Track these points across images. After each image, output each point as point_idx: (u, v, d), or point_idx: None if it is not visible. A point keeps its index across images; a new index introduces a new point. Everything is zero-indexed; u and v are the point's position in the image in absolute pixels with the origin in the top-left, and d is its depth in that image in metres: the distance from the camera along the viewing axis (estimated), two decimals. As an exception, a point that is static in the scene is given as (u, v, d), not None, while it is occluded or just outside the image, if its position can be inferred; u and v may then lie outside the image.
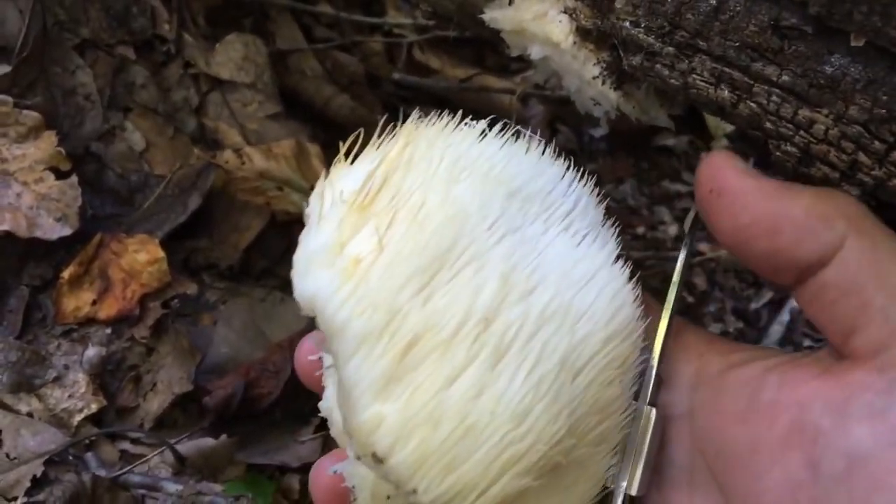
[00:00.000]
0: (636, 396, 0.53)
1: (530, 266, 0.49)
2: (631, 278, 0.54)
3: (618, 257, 0.53)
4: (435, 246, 0.47)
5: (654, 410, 0.52)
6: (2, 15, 0.94)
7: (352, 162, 0.52)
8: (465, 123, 0.54)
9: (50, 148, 0.89)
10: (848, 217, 0.47)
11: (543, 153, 0.55)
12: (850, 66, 0.46)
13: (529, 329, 0.47)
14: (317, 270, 0.48)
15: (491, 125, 0.55)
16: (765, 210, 0.49)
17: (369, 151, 0.52)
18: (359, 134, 0.53)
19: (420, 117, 0.54)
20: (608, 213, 0.56)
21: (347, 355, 0.46)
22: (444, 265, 0.47)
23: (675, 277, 0.57)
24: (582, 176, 0.57)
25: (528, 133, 0.56)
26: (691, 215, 0.59)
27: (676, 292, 0.57)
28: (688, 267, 0.59)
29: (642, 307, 0.52)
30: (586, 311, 0.49)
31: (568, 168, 0.56)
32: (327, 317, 0.46)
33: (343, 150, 0.52)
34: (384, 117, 0.54)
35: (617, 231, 0.56)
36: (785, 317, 1.08)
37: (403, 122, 0.55)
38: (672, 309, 0.55)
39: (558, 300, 0.48)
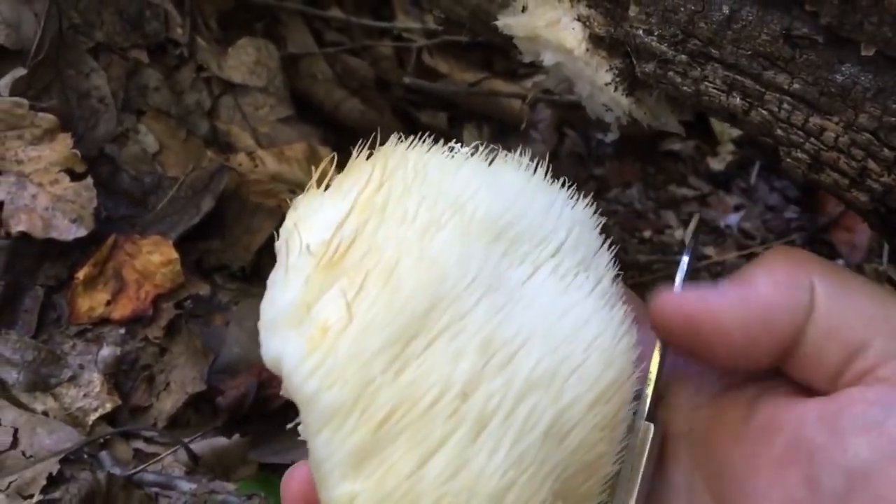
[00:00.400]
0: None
1: (513, 326, 0.45)
2: (625, 316, 0.50)
3: (610, 294, 0.50)
4: (409, 313, 0.43)
5: (651, 427, 0.50)
6: (18, 18, 0.95)
7: (325, 188, 0.49)
8: (449, 148, 0.51)
9: (65, 150, 0.90)
10: (808, 270, 0.46)
11: (533, 176, 0.52)
12: (860, 75, 0.47)
13: (513, 398, 0.43)
14: (283, 331, 0.45)
15: (476, 149, 0.51)
16: (739, 314, 0.46)
17: (344, 181, 0.49)
18: (365, 143, 0.49)
19: (399, 141, 0.50)
20: (606, 230, 0.53)
21: (316, 429, 0.43)
22: (419, 333, 0.43)
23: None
24: (579, 187, 0.53)
25: (516, 154, 0.53)
26: (693, 224, 0.58)
27: None
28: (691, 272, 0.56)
29: (636, 350, 0.49)
30: (575, 371, 0.45)
31: (561, 187, 0.52)
32: (294, 386, 0.44)
33: (315, 176, 0.48)
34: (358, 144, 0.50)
35: (613, 255, 0.52)
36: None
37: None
38: None
39: (545, 364, 0.44)
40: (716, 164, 1.25)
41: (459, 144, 0.52)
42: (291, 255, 0.46)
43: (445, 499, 0.42)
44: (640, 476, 0.49)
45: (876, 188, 0.50)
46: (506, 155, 0.53)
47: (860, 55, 0.47)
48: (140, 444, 0.82)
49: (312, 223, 0.47)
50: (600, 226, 0.53)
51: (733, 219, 1.20)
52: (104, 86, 0.98)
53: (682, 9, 0.51)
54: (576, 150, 1.22)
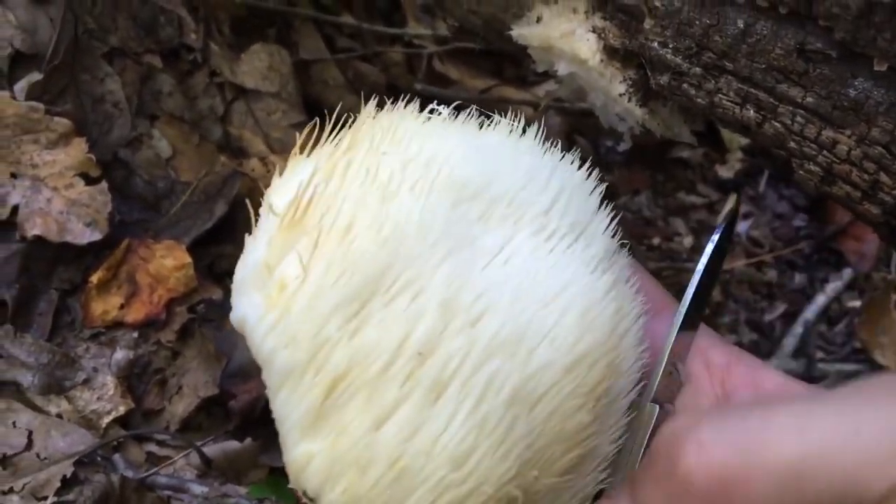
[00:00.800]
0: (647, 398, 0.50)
1: (479, 288, 0.43)
2: (625, 276, 0.49)
3: (601, 260, 0.48)
4: (363, 272, 0.42)
5: (656, 408, 0.49)
6: (33, 23, 0.96)
7: (309, 154, 0.48)
8: (430, 111, 0.50)
9: (80, 154, 0.90)
10: None
11: (521, 140, 0.51)
12: (873, 90, 0.48)
13: (473, 362, 0.42)
14: (248, 291, 0.45)
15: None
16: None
17: (321, 146, 0.48)
18: (340, 116, 0.48)
19: (378, 104, 0.49)
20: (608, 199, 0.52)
21: (275, 388, 0.43)
22: (376, 293, 0.42)
23: (700, 265, 0.52)
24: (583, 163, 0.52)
25: (506, 119, 0.52)
26: (730, 205, 0.55)
27: (698, 286, 0.51)
28: (721, 260, 0.53)
29: (628, 318, 0.48)
30: (546, 336, 0.44)
31: (555, 152, 0.51)
32: (254, 345, 0.44)
33: (298, 142, 0.48)
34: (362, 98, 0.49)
35: (614, 219, 0.51)
36: (798, 329, 1.09)
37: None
38: (690, 303, 0.51)
39: (510, 327, 0.43)
40: (724, 172, 1.26)
41: (443, 107, 0.51)
42: (261, 217, 0.46)
43: (401, 461, 0.41)
44: (639, 458, 0.48)
45: (888, 201, 0.50)
46: (497, 120, 0.52)
47: (873, 70, 0.47)
48: (153, 447, 0.83)
49: (284, 186, 0.47)
50: (599, 192, 0.51)
51: (742, 227, 1.20)
52: (118, 90, 0.99)
53: (697, 22, 0.52)
54: (585, 157, 1.23)
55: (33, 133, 0.91)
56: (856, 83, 0.48)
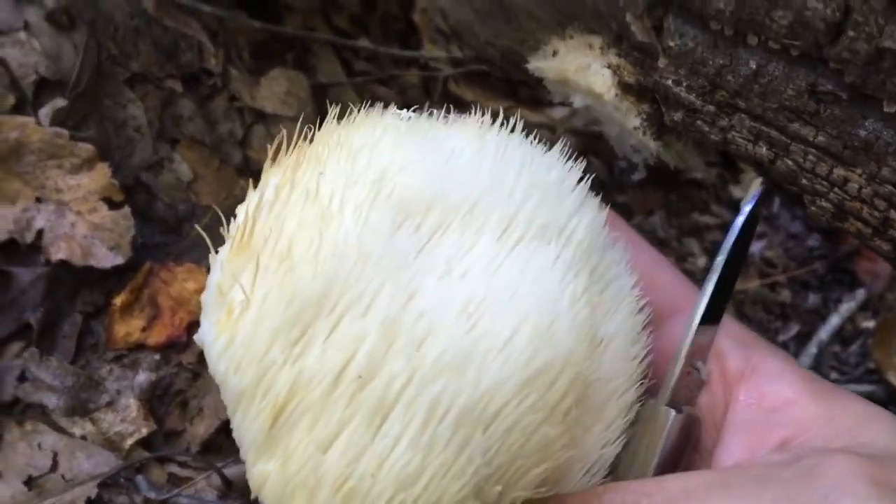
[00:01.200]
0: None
1: (423, 306, 0.42)
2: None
3: (575, 263, 0.46)
4: (302, 298, 0.42)
5: (672, 413, 0.48)
6: (57, 50, 0.98)
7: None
8: (396, 115, 0.48)
9: (103, 179, 0.92)
10: None
11: (486, 141, 0.48)
12: (882, 130, 0.49)
13: (417, 384, 0.41)
14: (207, 313, 0.45)
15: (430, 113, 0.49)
16: None
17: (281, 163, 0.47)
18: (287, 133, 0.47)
19: (337, 114, 0.48)
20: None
21: (231, 410, 0.44)
22: (319, 316, 0.42)
23: (722, 253, 0.49)
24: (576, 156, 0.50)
25: (473, 118, 0.49)
26: (755, 187, 0.52)
27: (720, 276, 0.49)
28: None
29: (627, 309, 0.46)
30: (500, 352, 0.42)
31: (529, 148, 0.49)
32: (211, 367, 0.44)
33: (270, 153, 0.47)
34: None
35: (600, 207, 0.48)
36: (812, 349, 1.10)
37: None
38: (710, 297, 0.49)
39: (457, 346, 0.41)
40: (738, 192, 1.27)
41: (408, 110, 0.49)
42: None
43: (348, 483, 0.41)
44: (653, 464, 0.48)
45: (898, 237, 0.51)
46: (463, 119, 0.50)
47: (883, 111, 0.48)
48: (174, 469, 0.84)
49: (244, 206, 0.48)
50: (580, 189, 0.49)
51: (755, 247, 1.21)
52: (140, 115, 1.00)
53: (711, 62, 0.53)
54: (598, 177, 1.24)
55: (58, 158, 0.93)
56: (866, 124, 0.49)
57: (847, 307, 1.16)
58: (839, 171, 0.51)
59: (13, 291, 0.88)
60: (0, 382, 0.83)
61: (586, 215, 0.48)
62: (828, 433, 0.45)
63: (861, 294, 1.17)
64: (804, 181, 0.53)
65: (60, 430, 0.82)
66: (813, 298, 1.18)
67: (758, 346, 0.52)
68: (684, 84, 0.55)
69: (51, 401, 0.82)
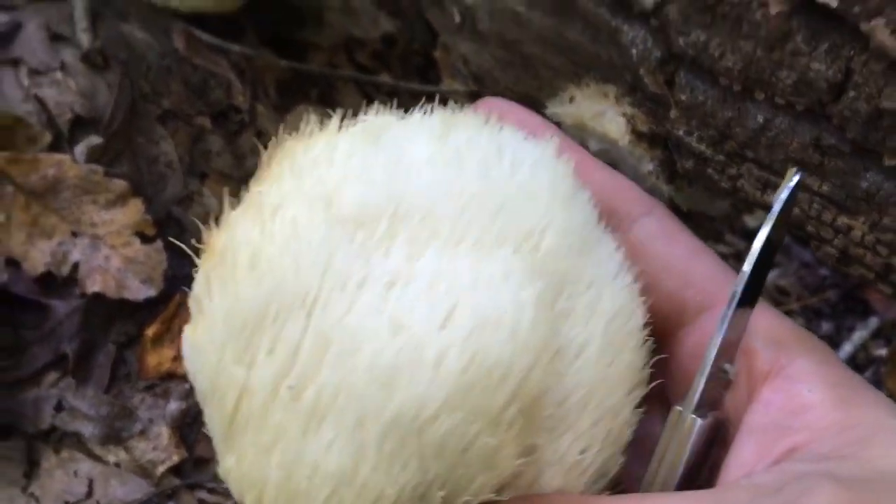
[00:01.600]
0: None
1: (356, 320, 0.43)
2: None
3: (537, 268, 0.44)
4: (245, 309, 0.43)
5: (697, 422, 0.46)
6: (92, 89, 1.02)
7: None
8: (362, 120, 0.48)
9: (137, 214, 0.96)
10: None
11: (447, 145, 0.47)
12: (883, 182, 0.51)
13: (346, 394, 0.42)
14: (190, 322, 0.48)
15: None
16: None
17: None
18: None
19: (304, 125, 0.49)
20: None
21: (202, 406, 0.47)
22: (261, 328, 0.43)
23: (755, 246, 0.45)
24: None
25: (431, 113, 0.50)
26: (791, 178, 0.46)
27: (756, 261, 0.45)
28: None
29: (611, 310, 0.45)
30: (433, 363, 0.42)
31: (504, 138, 0.48)
32: (187, 368, 0.47)
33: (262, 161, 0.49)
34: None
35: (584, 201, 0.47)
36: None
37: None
38: (744, 286, 0.45)
39: (387, 356, 0.42)
40: (752, 222, 1.29)
41: (374, 114, 0.49)
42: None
43: (290, 484, 0.43)
44: (678, 474, 0.46)
45: (900, 282, 0.54)
46: (425, 115, 0.50)
47: (883, 165, 0.51)
48: (203, 495, 0.87)
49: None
50: (557, 191, 0.47)
51: (769, 276, 1.23)
52: (171, 151, 1.04)
53: (720, 115, 0.56)
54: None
55: (93, 194, 0.96)
56: (867, 175, 0.52)
57: (860, 335, 1.17)
58: (843, 219, 0.53)
59: (50, 323, 0.91)
60: (38, 411, 0.86)
61: (557, 218, 0.46)
62: (837, 443, 0.44)
63: (874, 322, 1.18)
64: (810, 227, 0.55)
65: (96, 458, 0.85)
66: (826, 326, 1.19)
67: (791, 344, 0.48)
68: (695, 134, 0.58)
69: (87, 429, 0.85)
